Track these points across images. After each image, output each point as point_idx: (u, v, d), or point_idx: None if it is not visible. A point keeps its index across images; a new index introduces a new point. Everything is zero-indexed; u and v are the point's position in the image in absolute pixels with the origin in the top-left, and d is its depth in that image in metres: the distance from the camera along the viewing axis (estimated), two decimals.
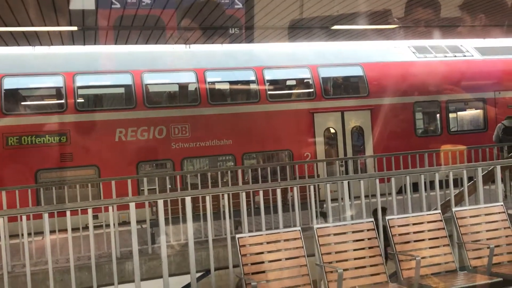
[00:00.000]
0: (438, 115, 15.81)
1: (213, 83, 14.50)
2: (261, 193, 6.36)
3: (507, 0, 10.33)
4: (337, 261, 5.66)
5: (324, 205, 9.50)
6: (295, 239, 5.69)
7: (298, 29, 11.41)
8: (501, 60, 16.34)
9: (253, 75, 14.44)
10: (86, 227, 6.63)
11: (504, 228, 6.44)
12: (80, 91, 13.33)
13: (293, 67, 15.18)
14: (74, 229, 5.91)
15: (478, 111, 16.18)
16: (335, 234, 5.85)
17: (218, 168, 13.04)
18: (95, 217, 5.83)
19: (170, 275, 5.81)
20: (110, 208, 5.77)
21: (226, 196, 6.22)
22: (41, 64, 13.42)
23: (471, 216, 6.44)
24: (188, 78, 14.18)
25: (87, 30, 10.25)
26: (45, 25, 9.57)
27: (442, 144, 13.50)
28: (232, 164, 13.89)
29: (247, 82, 14.90)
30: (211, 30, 11.12)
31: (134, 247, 5.66)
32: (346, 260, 5.73)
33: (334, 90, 15.40)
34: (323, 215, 9.14)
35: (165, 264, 5.70)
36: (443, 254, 6.06)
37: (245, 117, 14.07)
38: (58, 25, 9.61)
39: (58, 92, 13.39)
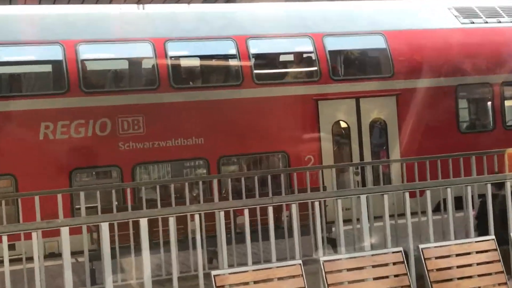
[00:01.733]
0: (489, 103, 15.95)
1: (178, 58, 14.45)
2: (246, 212, 6.35)
3: None
4: None
5: (333, 229, 9.50)
6: (293, 276, 5.72)
7: None
8: None
9: (233, 48, 14.43)
10: None
11: None
12: None
13: (289, 37, 15.19)
14: None
15: None
16: (349, 270, 5.88)
17: (185, 178, 13.00)
18: (12, 247, 5.78)
19: None
20: (34, 234, 5.72)
21: (197, 217, 6.19)
22: None
23: None
24: (143, 51, 14.14)
25: None
26: None
27: (494, 143, 13.60)
28: (205, 171, 13.88)
29: (225, 57, 14.88)
30: None
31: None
32: None
33: (347, 68, 15.43)
34: (332, 243, 9.15)
35: None
36: None
37: (222, 106, 14.04)
38: None
39: None
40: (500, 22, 16.26)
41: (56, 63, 13.63)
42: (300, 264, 5.82)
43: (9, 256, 5.69)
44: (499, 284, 6.18)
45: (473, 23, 16.05)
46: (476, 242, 6.42)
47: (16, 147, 12.88)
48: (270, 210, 6.45)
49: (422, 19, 15.92)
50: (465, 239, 6.62)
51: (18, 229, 6.69)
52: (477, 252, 6.29)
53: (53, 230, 5.94)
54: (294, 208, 6.59)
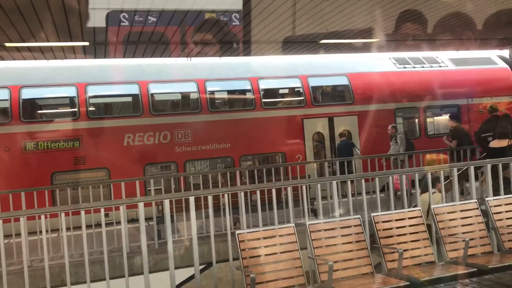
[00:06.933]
0: (417, 120, 15.87)
1: (213, 92, 14.51)
2: (258, 192, 6.34)
3: (476, 20, 10.43)
4: (327, 254, 5.68)
5: (315, 203, 9.49)
6: (289, 234, 5.70)
7: (290, 43, 11.44)
8: (473, 70, 16.42)
9: (249, 85, 14.46)
10: (98, 225, 6.62)
11: (478, 223, 6.47)
12: (92, 100, 13.32)
13: (285, 77, 15.20)
14: (87, 227, 5.91)
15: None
16: (325, 230, 5.86)
17: (218, 170, 13.03)
18: (106, 215, 5.84)
19: (176, 267, 5.80)
20: (121, 207, 5.76)
21: (226, 195, 6.22)
22: (56, 76, 13.39)
23: (448, 212, 6.47)
24: (190, 88, 14.18)
25: (97, 45, 10.25)
26: (60, 41, 9.55)
27: (420, 146, 13.54)
28: (231, 165, 13.89)
29: (244, 91, 14.90)
30: (211, 45, 11.15)
31: (142, 242, 5.70)
32: (335, 253, 5.74)
33: (323, 98, 15.43)
34: (314, 212, 9.14)
35: (171, 258, 5.71)
36: (423, 247, 6.08)
37: (242, 123, 14.07)
38: (71, 40, 9.60)
39: (71, 101, 13.37)
40: (423, 67, 16.20)
41: (135, 96, 13.72)
42: (294, 226, 5.82)
43: (105, 221, 5.74)
44: (423, 239, 6.15)
45: (405, 67, 16.00)
46: (408, 211, 6.38)
47: (109, 150, 12.98)
48: (274, 191, 6.46)
49: (372, 65, 15.88)
50: (400, 209, 6.59)
51: (111, 204, 6.74)
52: (409, 218, 6.25)
53: (133, 204, 5.98)
54: (289, 189, 6.59)
